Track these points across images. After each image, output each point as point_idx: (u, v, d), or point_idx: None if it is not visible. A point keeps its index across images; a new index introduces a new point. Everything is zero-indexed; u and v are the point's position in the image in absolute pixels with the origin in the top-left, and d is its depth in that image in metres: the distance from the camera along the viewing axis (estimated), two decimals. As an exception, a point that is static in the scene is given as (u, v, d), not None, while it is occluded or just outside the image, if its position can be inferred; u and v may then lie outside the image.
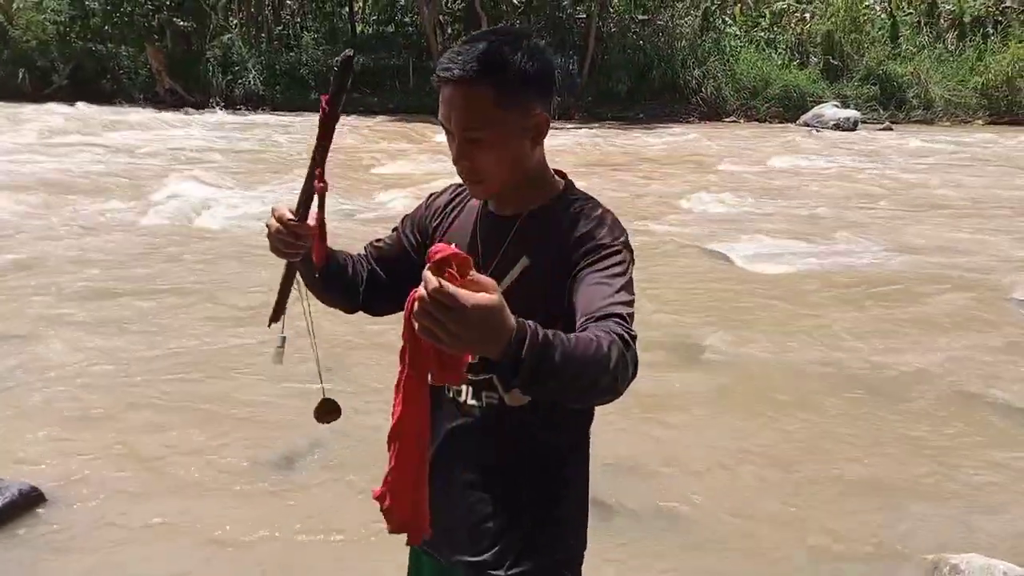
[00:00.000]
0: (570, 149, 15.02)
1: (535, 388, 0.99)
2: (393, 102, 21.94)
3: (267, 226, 1.31)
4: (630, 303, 1.18)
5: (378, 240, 1.51)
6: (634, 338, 1.10)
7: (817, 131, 19.91)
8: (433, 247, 0.97)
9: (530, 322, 0.97)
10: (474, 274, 0.94)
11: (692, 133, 18.59)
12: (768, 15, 26.67)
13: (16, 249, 6.87)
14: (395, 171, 12.18)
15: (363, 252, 1.51)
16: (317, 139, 1.29)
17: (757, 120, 22.69)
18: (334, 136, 1.29)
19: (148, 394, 4.06)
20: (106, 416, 3.83)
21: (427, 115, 20.35)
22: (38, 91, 21.42)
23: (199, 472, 3.38)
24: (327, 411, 1.42)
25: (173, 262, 6.66)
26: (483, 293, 0.91)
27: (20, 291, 5.70)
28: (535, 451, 1.33)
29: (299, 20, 26.21)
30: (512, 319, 0.94)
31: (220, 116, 20.09)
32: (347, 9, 26.36)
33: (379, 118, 19.70)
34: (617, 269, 1.21)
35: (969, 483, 3.44)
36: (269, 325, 1.43)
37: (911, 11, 26.47)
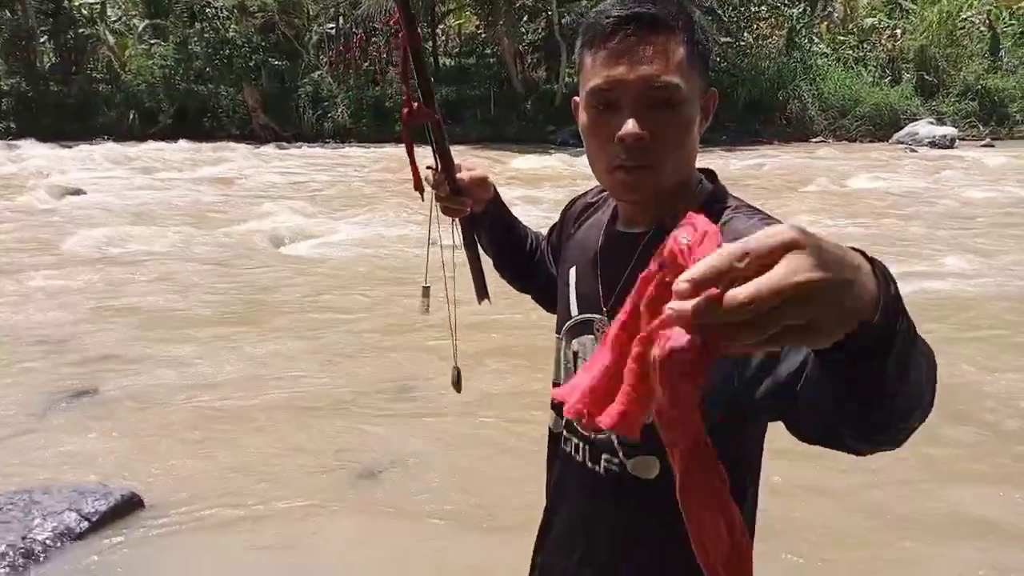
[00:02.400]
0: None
1: (902, 371, 0.63)
2: (475, 132, 22.36)
3: (432, 190, 1.35)
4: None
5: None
6: None
7: (912, 149, 19.14)
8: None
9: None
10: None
11: (778, 154, 18.16)
12: (857, 32, 25.93)
13: (135, 275, 7.31)
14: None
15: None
16: (418, 76, 1.24)
17: (847, 140, 22.00)
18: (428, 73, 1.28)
19: (249, 407, 4.22)
20: (213, 430, 4.00)
21: (507, 143, 20.64)
22: (145, 130, 22.84)
23: (295, 481, 3.48)
24: (458, 380, 1.47)
25: (269, 290, 6.93)
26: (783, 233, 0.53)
27: (130, 314, 6.04)
28: (656, 536, 1.04)
29: (385, 55, 27.15)
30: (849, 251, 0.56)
31: (310, 149, 20.93)
32: (430, 44, 27.16)
33: (460, 148, 20.10)
34: None
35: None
36: (480, 303, 1.45)
37: (1012, 22, 25.24)
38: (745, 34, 24.21)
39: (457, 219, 1.40)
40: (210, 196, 12.40)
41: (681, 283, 0.51)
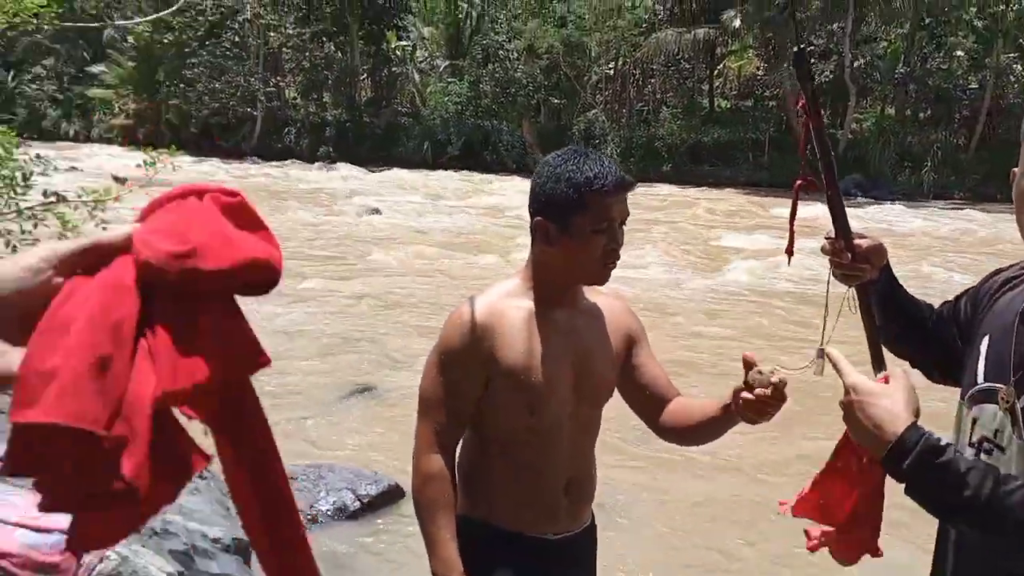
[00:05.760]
0: (950, 235, 13.41)
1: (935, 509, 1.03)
2: (745, 175, 21.72)
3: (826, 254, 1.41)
4: None
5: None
6: None
7: None
8: None
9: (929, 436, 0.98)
10: None
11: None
12: None
13: (420, 285, 8.17)
14: (738, 244, 12.01)
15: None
16: (819, 150, 1.31)
17: None
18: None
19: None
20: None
21: (780, 188, 19.75)
22: (435, 160, 25.31)
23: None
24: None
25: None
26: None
27: (418, 318, 6.74)
28: None
29: (659, 96, 27.45)
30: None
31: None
32: (707, 86, 26.95)
33: (727, 190, 19.63)
34: None
35: None
36: (876, 375, 1.45)
37: None
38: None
39: (854, 287, 1.42)
40: (480, 224, 13.40)
41: None
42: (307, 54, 27.58)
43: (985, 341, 1.21)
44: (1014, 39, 20.98)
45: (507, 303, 1.55)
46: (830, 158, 1.34)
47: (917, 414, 1.05)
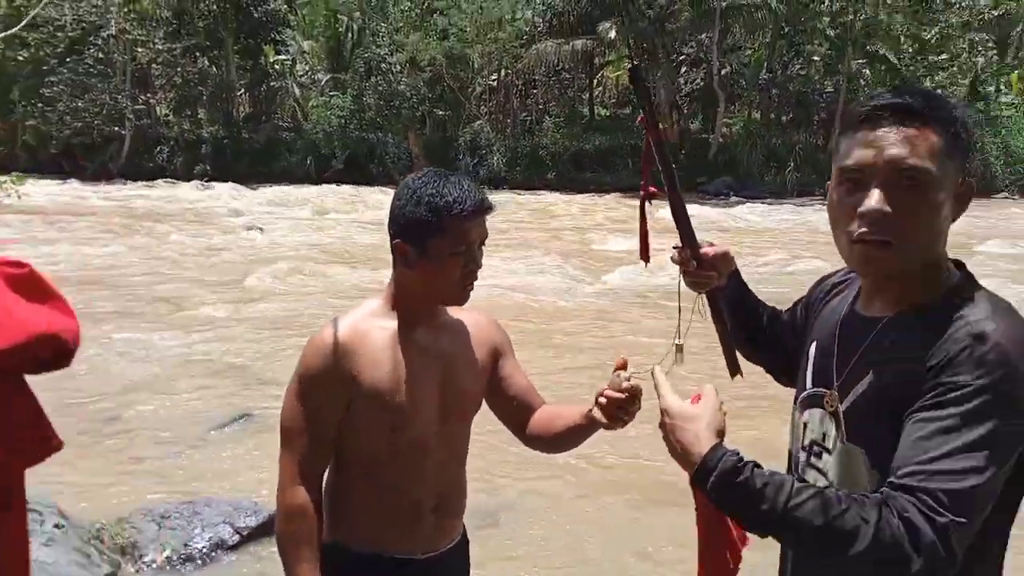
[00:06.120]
0: (813, 228, 14.30)
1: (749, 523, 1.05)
2: (626, 180, 22.45)
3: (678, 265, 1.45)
4: (962, 476, 0.91)
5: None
6: (941, 534, 0.90)
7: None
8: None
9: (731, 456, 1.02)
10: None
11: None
12: (1052, 80, 23.77)
13: (302, 307, 7.96)
14: (622, 248, 12.40)
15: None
16: (659, 162, 1.38)
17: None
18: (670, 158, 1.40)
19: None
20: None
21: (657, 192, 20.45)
22: (319, 174, 24.79)
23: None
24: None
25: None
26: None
27: (295, 344, 6.56)
28: None
29: (542, 105, 27.99)
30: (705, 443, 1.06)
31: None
32: (587, 95, 27.72)
33: (609, 196, 20.23)
34: (957, 421, 0.94)
35: None
36: (733, 378, 1.51)
37: None
38: (926, 82, 22.84)
39: (704, 293, 1.48)
40: (368, 238, 13.24)
41: None
42: (179, 70, 26.41)
43: (813, 347, 1.25)
44: (862, 46, 22.70)
45: (371, 323, 1.55)
46: (671, 170, 1.39)
47: (721, 434, 1.08)
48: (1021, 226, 14.56)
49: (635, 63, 1.42)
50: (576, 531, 3.68)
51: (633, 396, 1.40)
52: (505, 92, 27.53)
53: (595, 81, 28.73)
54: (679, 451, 1.08)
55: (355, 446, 1.54)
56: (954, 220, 1.09)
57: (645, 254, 1.54)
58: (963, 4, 23.93)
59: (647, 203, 1.46)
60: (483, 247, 1.56)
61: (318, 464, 1.53)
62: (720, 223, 14.66)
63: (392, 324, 1.55)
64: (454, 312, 1.64)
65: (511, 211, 17.70)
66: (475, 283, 1.56)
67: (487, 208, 1.51)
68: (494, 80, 27.42)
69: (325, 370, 1.49)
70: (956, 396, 0.95)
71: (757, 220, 15.65)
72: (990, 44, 25.16)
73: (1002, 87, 23.35)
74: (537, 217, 15.95)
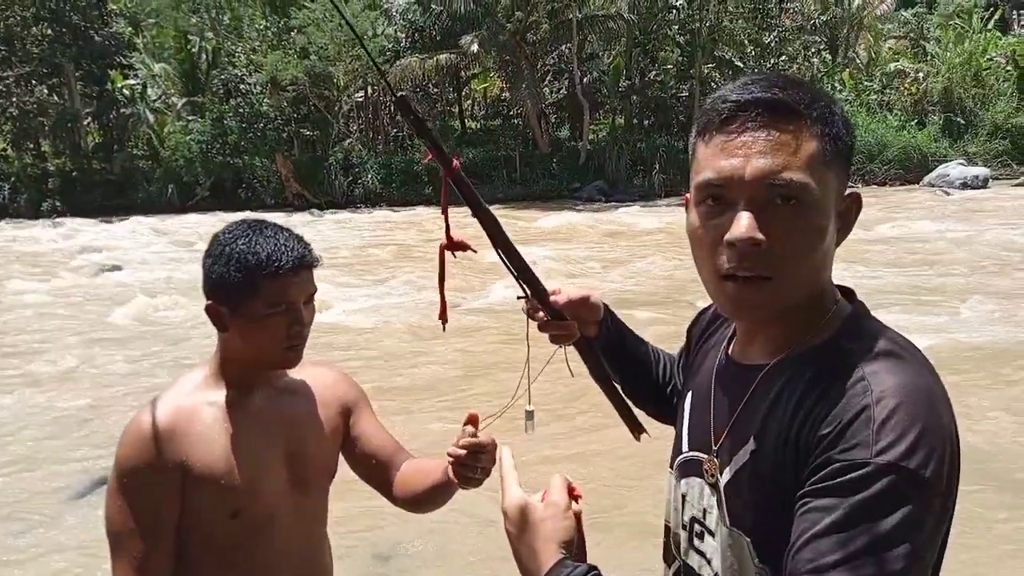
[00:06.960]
0: (663, 228, 14.91)
1: None
2: (503, 192, 22.67)
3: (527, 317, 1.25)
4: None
5: None
6: None
7: (945, 191, 18.91)
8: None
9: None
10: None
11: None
12: (881, 77, 25.97)
13: (166, 350, 7.46)
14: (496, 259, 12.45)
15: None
16: (468, 203, 1.18)
17: (876, 184, 21.82)
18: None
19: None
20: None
21: (535, 201, 20.84)
22: (184, 203, 23.58)
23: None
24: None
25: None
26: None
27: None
28: None
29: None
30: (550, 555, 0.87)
31: (342, 215, 21.38)
32: (457, 108, 27.82)
33: (490, 207, 20.31)
34: (859, 513, 0.72)
35: None
36: (638, 439, 1.32)
37: (1039, 59, 25.04)
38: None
39: (571, 346, 1.27)
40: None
41: None
42: (14, 100, 24.44)
43: (688, 400, 1.04)
44: (711, 51, 24.00)
45: (195, 399, 1.40)
46: (489, 212, 1.21)
47: (568, 545, 0.88)
48: (864, 215, 15.71)
49: (399, 94, 1.18)
50: (474, 568, 3.62)
51: (476, 452, 1.28)
52: (374, 109, 27.18)
53: (464, 94, 28.89)
54: (520, 566, 0.90)
55: (197, 535, 1.38)
56: (839, 243, 0.90)
57: (443, 313, 1.30)
58: (795, 8, 25.81)
59: (451, 254, 1.24)
60: (312, 304, 1.42)
61: (162, 570, 1.34)
62: (599, 227, 15.04)
63: (220, 396, 1.41)
64: (296, 372, 1.51)
65: (391, 228, 17.47)
66: (304, 343, 1.43)
67: (309, 263, 1.38)
68: (361, 97, 27.02)
69: (148, 462, 1.32)
70: (854, 479, 0.73)
71: (632, 222, 16.18)
72: (823, 46, 27.24)
73: (836, 84, 25.27)
74: (415, 233, 15.81)
